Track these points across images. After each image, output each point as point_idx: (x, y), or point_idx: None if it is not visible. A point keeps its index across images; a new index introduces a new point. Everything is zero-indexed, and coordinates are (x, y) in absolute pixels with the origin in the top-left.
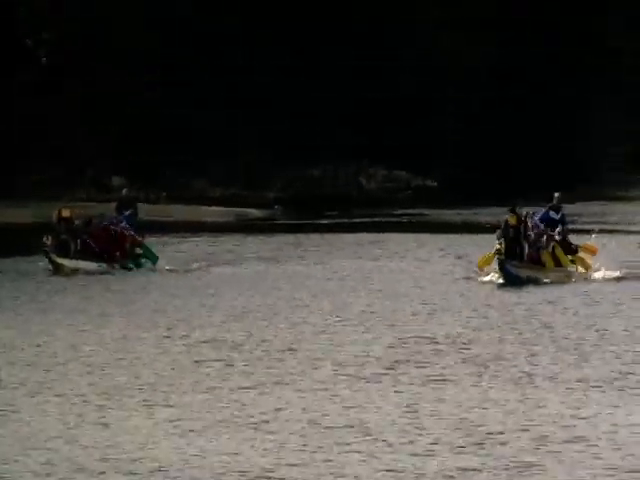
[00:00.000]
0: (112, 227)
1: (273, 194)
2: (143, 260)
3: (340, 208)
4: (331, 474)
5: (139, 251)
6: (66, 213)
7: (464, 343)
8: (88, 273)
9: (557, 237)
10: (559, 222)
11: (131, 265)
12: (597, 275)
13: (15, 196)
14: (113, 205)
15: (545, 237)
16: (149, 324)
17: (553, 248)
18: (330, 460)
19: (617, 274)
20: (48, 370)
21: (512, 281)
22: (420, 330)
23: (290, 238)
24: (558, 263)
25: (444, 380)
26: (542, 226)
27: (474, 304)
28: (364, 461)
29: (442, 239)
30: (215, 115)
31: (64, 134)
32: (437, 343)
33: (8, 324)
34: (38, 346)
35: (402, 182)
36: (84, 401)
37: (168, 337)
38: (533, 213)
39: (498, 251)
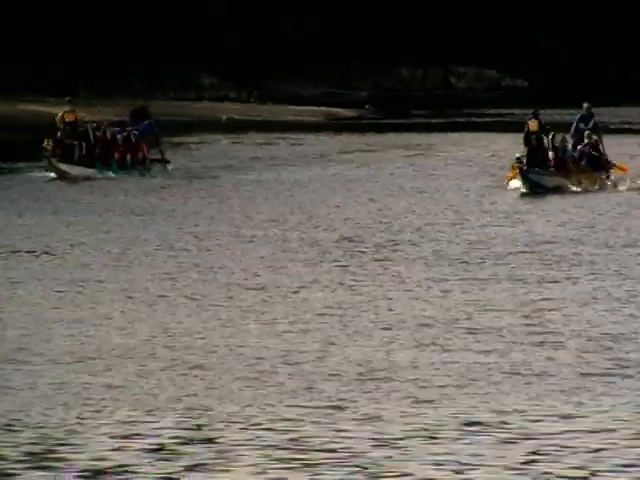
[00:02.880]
0: (118, 135)
1: (364, 94)
2: (155, 167)
3: (430, 108)
4: (454, 375)
5: (151, 158)
6: (70, 117)
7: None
8: (93, 180)
9: (585, 140)
10: (589, 130)
11: (146, 172)
12: (625, 185)
13: (105, 95)
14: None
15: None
16: (228, 225)
17: (580, 157)
18: (451, 362)
19: None
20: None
21: (536, 189)
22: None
23: (378, 138)
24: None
25: (521, 279)
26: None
27: (492, 213)
28: (486, 364)
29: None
30: (305, 17)
31: (158, 33)
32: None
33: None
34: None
35: (492, 82)
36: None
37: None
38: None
39: (518, 159)
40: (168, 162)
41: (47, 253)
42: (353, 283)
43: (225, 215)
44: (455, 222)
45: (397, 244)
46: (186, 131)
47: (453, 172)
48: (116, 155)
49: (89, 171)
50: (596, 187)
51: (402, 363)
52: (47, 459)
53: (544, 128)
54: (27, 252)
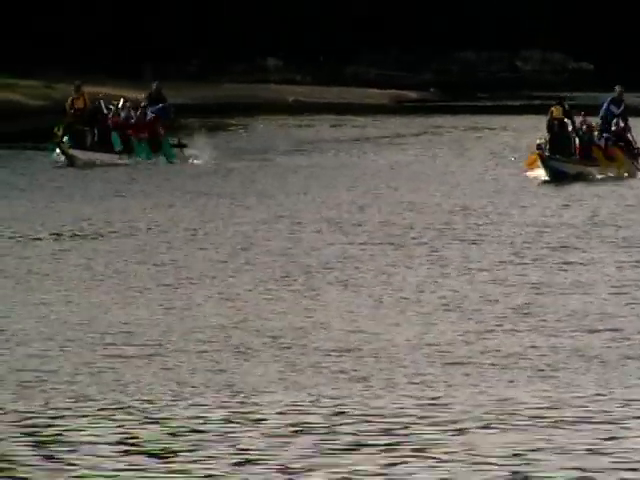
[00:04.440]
0: (131, 120)
1: (429, 77)
2: (172, 151)
3: (495, 91)
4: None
5: (168, 142)
6: (79, 103)
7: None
8: (107, 165)
9: (613, 128)
10: (619, 116)
11: (168, 156)
12: None
13: (171, 79)
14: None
15: (597, 132)
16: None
17: (606, 144)
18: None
19: None
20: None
21: (558, 177)
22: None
23: (440, 121)
24: (611, 159)
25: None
26: (595, 121)
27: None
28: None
29: None
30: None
31: (218, 15)
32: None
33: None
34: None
35: (558, 65)
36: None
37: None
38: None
39: (538, 146)
40: (185, 146)
41: (129, 235)
42: (407, 266)
43: (289, 197)
44: (480, 209)
45: (434, 229)
46: (253, 113)
47: (496, 158)
48: (141, 135)
49: (102, 156)
50: (625, 174)
51: (472, 347)
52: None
53: (569, 114)
54: (102, 234)
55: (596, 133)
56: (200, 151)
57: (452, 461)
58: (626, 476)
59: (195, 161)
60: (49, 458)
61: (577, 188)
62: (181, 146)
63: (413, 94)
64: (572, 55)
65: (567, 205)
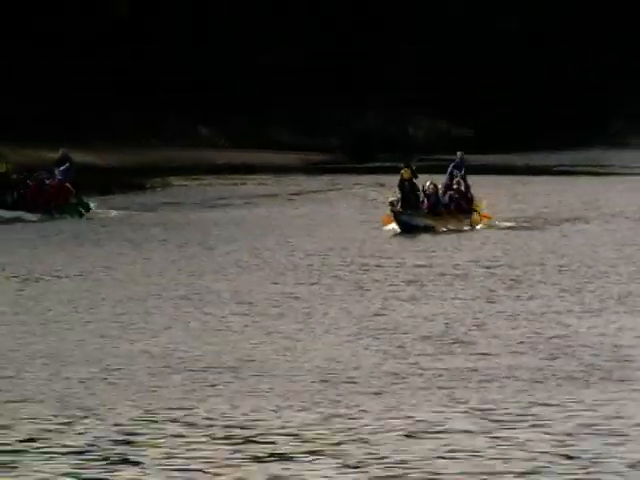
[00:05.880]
0: (45, 180)
1: (334, 140)
2: (79, 208)
3: (390, 153)
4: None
5: (73, 200)
6: (1, 168)
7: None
8: (26, 222)
9: (455, 186)
10: (461, 177)
11: (75, 212)
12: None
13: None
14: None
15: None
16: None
17: (449, 202)
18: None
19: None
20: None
21: (408, 229)
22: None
23: (341, 179)
24: (451, 214)
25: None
26: (441, 181)
27: (371, 247)
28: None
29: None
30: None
31: (149, 84)
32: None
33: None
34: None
35: (443, 131)
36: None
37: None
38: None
39: (391, 203)
40: (87, 204)
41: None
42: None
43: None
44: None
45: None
46: (175, 174)
47: (368, 212)
48: (50, 199)
49: (22, 214)
50: (464, 227)
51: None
52: None
53: (416, 175)
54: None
55: (440, 192)
56: (102, 207)
57: None
58: None
59: (101, 214)
60: None
61: (425, 238)
62: (84, 204)
63: (321, 156)
64: (455, 122)
65: (417, 252)
